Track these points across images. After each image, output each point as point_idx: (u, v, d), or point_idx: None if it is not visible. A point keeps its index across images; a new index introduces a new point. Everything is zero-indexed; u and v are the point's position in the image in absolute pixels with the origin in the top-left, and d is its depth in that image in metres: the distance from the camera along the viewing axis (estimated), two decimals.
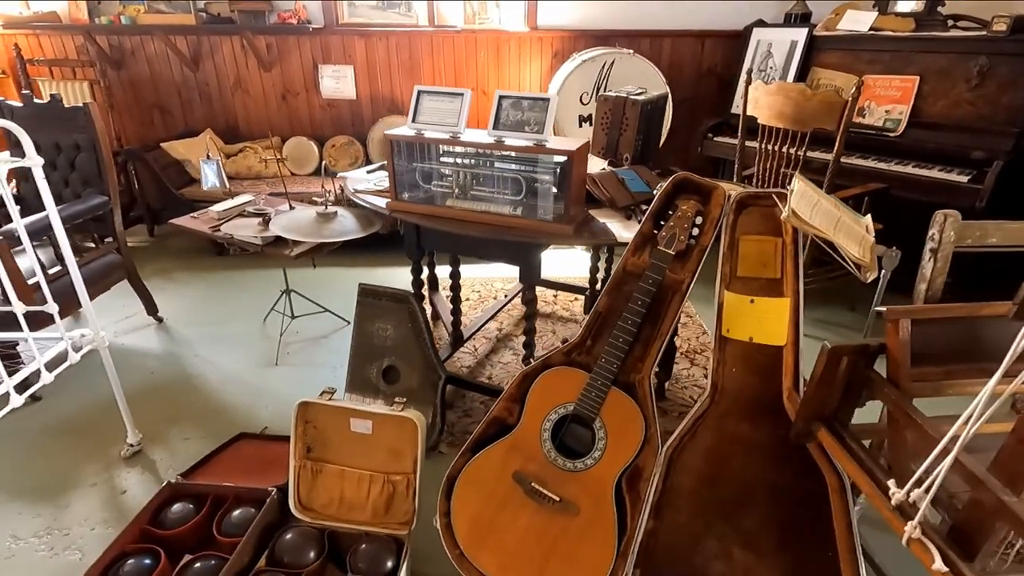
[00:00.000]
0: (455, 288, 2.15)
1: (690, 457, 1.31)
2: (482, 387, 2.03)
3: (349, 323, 2.63)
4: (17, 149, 2.37)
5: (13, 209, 1.47)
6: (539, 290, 2.91)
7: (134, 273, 2.49)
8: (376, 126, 3.61)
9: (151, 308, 2.60)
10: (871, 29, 2.75)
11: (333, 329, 2.59)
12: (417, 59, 3.53)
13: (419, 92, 1.66)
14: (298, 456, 1.50)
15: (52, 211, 1.55)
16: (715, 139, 3.23)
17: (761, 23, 3.22)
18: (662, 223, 1.45)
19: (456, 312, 2.20)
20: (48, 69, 3.34)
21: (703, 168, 3.09)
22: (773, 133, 2.36)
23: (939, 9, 2.65)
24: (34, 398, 2.09)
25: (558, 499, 1.30)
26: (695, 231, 1.42)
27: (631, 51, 3.04)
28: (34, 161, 1.47)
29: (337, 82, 3.57)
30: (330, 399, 1.49)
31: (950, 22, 2.66)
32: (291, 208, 2.34)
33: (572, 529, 1.28)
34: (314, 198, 2.27)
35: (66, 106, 2.29)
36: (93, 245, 2.81)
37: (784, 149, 2.33)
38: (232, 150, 3.53)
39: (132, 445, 1.82)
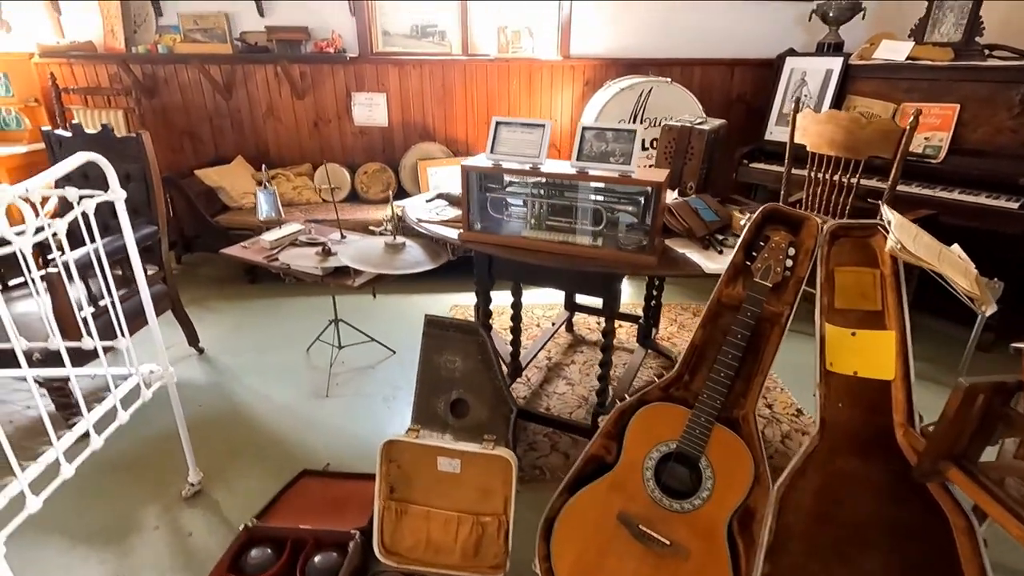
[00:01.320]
0: (516, 319, 2.12)
1: (801, 496, 1.27)
2: (555, 421, 1.98)
3: (395, 352, 2.59)
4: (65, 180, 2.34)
5: (97, 243, 1.43)
6: (582, 316, 2.88)
7: (178, 303, 2.45)
8: (408, 153, 3.61)
9: (192, 338, 2.55)
10: (908, 58, 2.79)
11: (379, 359, 2.54)
12: (450, 87, 3.55)
13: (497, 123, 1.65)
14: (382, 497, 1.45)
15: (130, 241, 1.52)
16: (750, 165, 3.25)
17: (793, 52, 3.27)
18: (754, 254, 1.44)
19: (516, 343, 2.16)
20: (83, 98, 3.33)
21: (738, 194, 3.11)
22: (822, 160, 2.37)
23: (976, 39, 2.69)
24: (84, 434, 2.02)
25: (668, 542, 1.25)
26: (789, 262, 1.41)
27: (668, 79, 3.07)
28: (117, 195, 1.44)
29: (370, 110, 3.58)
30: (416, 436, 1.45)
31: (987, 51, 2.70)
32: (343, 237, 2.32)
33: (683, 574, 1.23)
34: (370, 227, 2.25)
35: (118, 136, 2.27)
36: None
37: (834, 177, 2.34)
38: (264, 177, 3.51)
39: (193, 484, 1.76)
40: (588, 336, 2.75)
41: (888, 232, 1.37)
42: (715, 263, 1.56)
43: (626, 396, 1.42)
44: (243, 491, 1.79)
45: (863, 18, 3.14)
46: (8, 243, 1.16)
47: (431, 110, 3.62)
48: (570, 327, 2.80)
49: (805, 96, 3.13)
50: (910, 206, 2.55)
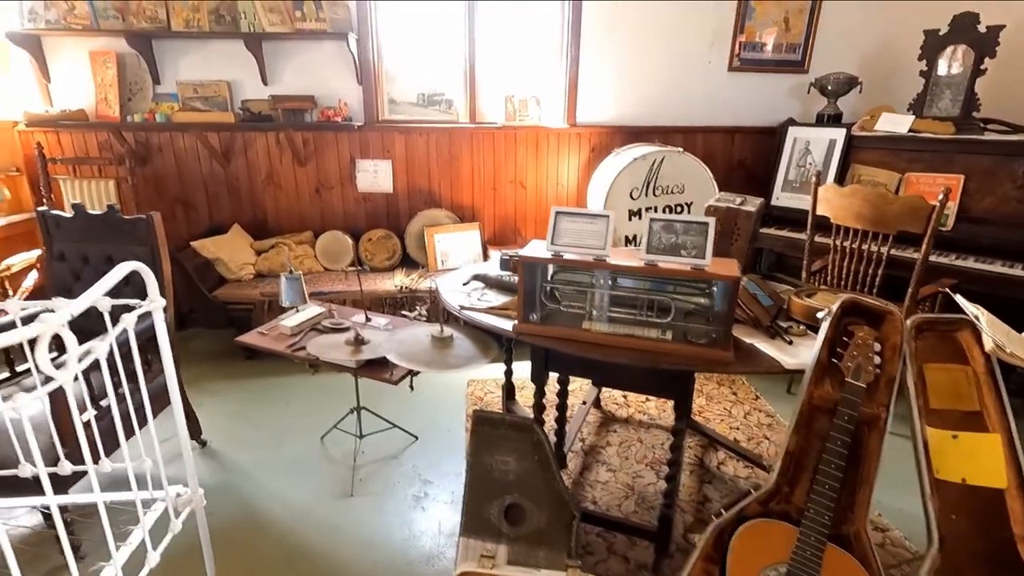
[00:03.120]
0: (562, 408, 2.00)
1: None
2: (621, 525, 1.84)
3: (417, 438, 2.43)
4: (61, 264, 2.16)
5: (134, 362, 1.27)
6: (606, 391, 2.78)
7: (182, 393, 2.24)
8: (415, 220, 3.53)
9: (195, 430, 2.33)
10: (910, 131, 2.90)
11: (402, 447, 2.37)
12: (457, 154, 3.52)
13: (556, 213, 1.58)
14: None
15: (166, 350, 1.36)
16: (759, 231, 3.28)
17: (793, 122, 3.37)
18: (838, 351, 1.38)
19: (560, 434, 2.03)
20: (71, 168, 3.15)
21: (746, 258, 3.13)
22: (846, 231, 2.39)
23: (973, 114, 2.82)
24: (78, 556, 1.77)
25: None
26: (876, 359, 1.35)
27: (681, 149, 3.11)
28: (157, 304, 1.29)
29: (374, 176, 3.50)
30: (493, 566, 1.30)
31: (982, 125, 2.83)
32: (367, 320, 2.19)
33: None
34: (403, 312, 2.13)
35: (126, 217, 2.11)
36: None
37: (860, 247, 2.36)
38: (264, 246, 3.37)
39: None
40: (617, 412, 2.65)
41: (978, 326, 1.34)
42: (790, 356, 1.50)
43: (722, 512, 1.31)
44: None
45: (860, 92, 3.28)
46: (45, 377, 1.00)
47: (437, 176, 3.57)
48: (597, 403, 2.69)
49: (810, 164, 3.21)
50: (930, 275, 2.59)
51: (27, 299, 2.90)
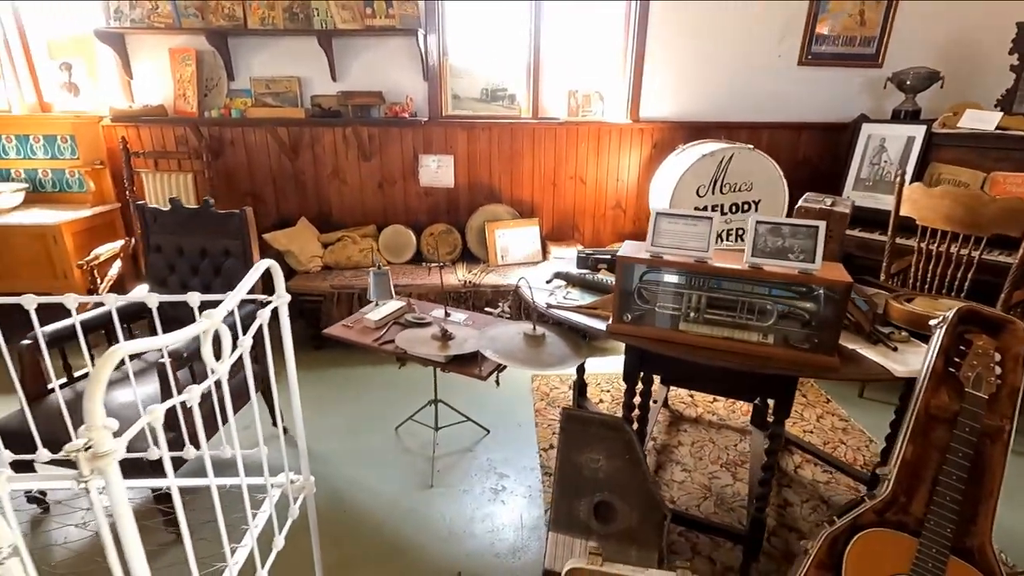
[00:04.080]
0: (644, 408, 2.00)
1: None
2: (712, 527, 1.84)
3: (488, 432, 2.46)
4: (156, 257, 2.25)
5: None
6: (672, 390, 2.77)
7: (268, 382, 2.33)
8: (475, 215, 3.56)
9: (274, 416, 2.41)
10: (997, 128, 2.78)
11: (475, 439, 2.41)
12: (518, 149, 3.53)
13: (657, 214, 1.58)
14: None
15: (288, 342, 1.42)
16: None
17: (866, 118, 3.27)
18: (956, 360, 1.35)
19: (641, 433, 2.03)
20: (152, 161, 3.28)
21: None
22: (932, 233, 2.32)
23: None
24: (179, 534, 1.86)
25: None
26: (997, 370, 1.32)
27: (751, 146, 3.05)
28: (283, 299, 1.34)
29: (436, 171, 3.54)
30: (602, 564, 1.32)
31: None
32: (447, 315, 2.22)
33: None
34: (487, 308, 2.16)
35: (219, 212, 2.19)
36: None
37: (949, 250, 2.29)
38: (330, 239, 3.45)
39: None
40: (685, 411, 2.63)
41: None
42: (898, 363, 1.47)
43: (835, 520, 1.30)
44: None
45: (941, 87, 3.16)
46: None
47: (498, 172, 3.58)
48: (665, 402, 2.68)
49: (885, 162, 3.12)
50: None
51: (112, 287, 3.04)
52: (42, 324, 1.55)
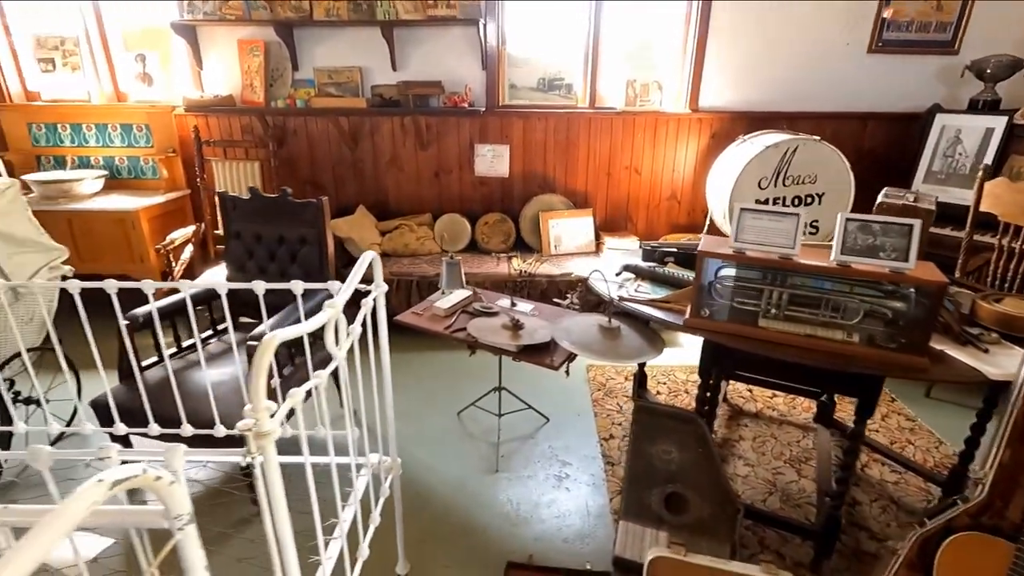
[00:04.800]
0: (712, 402, 2.01)
1: None
2: (784, 522, 1.84)
3: (548, 420, 2.51)
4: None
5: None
6: (731, 384, 2.76)
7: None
8: (529, 204, 3.59)
9: (343, 400, 2.50)
10: None
11: (535, 427, 2.46)
12: (574, 139, 3.53)
13: (741, 210, 1.57)
14: None
15: (383, 329, 1.48)
16: None
17: (940, 108, 3.15)
18: None
19: (708, 427, 2.04)
20: (222, 150, 3.40)
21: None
22: (1015, 230, 2.24)
23: None
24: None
25: None
26: None
27: (818, 137, 2.97)
28: (381, 288, 1.39)
29: (492, 160, 3.57)
30: (686, 554, 1.34)
31: None
32: (513, 304, 2.26)
33: None
34: (555, 300, 2.19)
35: (296, 200, 2.27)
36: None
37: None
38: (388, 227, 3.52)
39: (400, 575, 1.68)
40: (745, 406, 2.62)
41: None
42: (991, 366, 1.44)
43: (926, 522, 1.30)
44: None
45: None
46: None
47: (552, 161, 3.59)
48: (724, 396, 2.67)
49: (960, 155, 3.00)
50: None
51: (184, 270, 3.18)
52: (123, 305, 1.64)
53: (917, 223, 1.43)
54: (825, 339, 1.53)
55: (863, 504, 2.01)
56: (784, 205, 3.08)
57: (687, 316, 1.68)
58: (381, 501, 1.43)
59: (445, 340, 2.03)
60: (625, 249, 3.41)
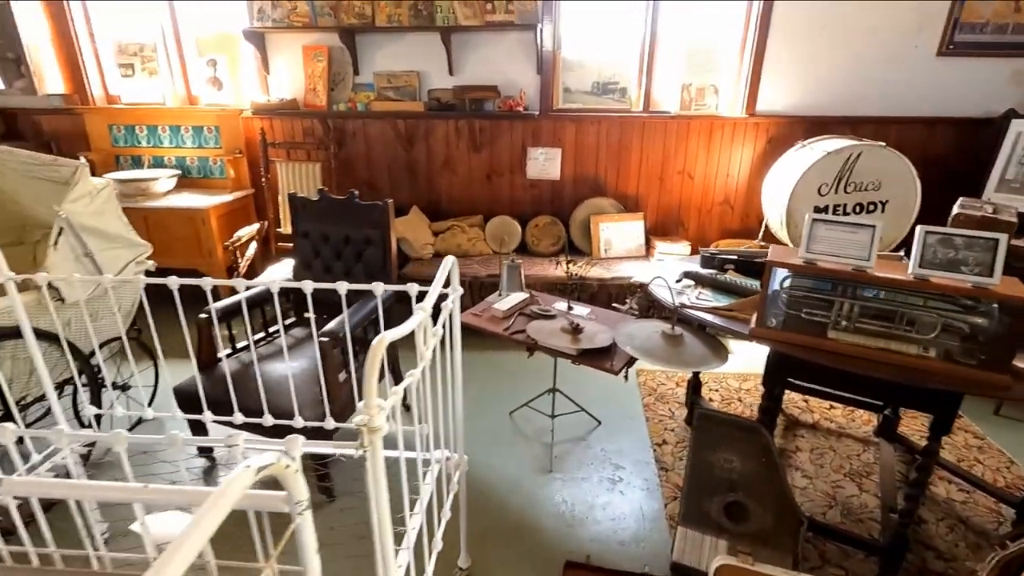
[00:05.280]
0: (773, 412, 1.99)
1: None
2: (849, 538, 1.82)
3: (600, 423, 2.52)
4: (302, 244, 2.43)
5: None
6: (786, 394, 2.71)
7: (397, 363, 2.50)
8: (580, 207, 3.61)
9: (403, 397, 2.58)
10: None
11: (587, 429, 2.48)
12: (627, 143, 3.53)
13: (813, 220, 1.56)
14: None
15: (457, 329, 1.53)
16: None
17: (1015, 113, 3.02)
18: None
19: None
20: (286, 152, 3.55)
21: None
22: None
23: None
24: (329, 496, 2.06)
25: None
26: None
27: (883, 144, 2.89)
28: (457, 292, 1.45)
29: (544, 164, 3.60)
30: (753, 563, 1.35)
31: None
32: (570, 308, 2.29)
33: None
34: (614, 304, 2.21)
35: (363, 202, 2.36)
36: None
37: None
38: (441, 227, 3.60)
39: (462, 569, 1.74)
40: (801, 416, 2.58)
41: None
42: None
43: (1008, 544, 1.27)
44: None
45: None
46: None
47: (604, 165, 3.60)
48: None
49: None
50: None
51: (248, 266, 3.32)
52: (194, 300, 1.74)
53: (1003, 237, 1.39)
54: (899, 353, 1.51)
55: (929, 523, 1.96)
56: (844, 213, 3.02)
57: (752, 325, 1.68)
58: (451, 496, 1.48)
59: (499, 341, 2.08)
60: (677, 254, 3.39)
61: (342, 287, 1.52)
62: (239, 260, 3.30)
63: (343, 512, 1.98)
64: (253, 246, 3.41)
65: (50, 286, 1.92)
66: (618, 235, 3.55)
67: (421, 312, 1.10)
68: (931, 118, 3.33)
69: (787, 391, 2.67)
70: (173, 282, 1.56)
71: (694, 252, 3.46)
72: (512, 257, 2.32)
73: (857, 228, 1.52)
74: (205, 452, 2.28)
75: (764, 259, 2.11)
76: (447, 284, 1.46)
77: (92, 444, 2.21)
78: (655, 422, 2.53)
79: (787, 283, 1.66)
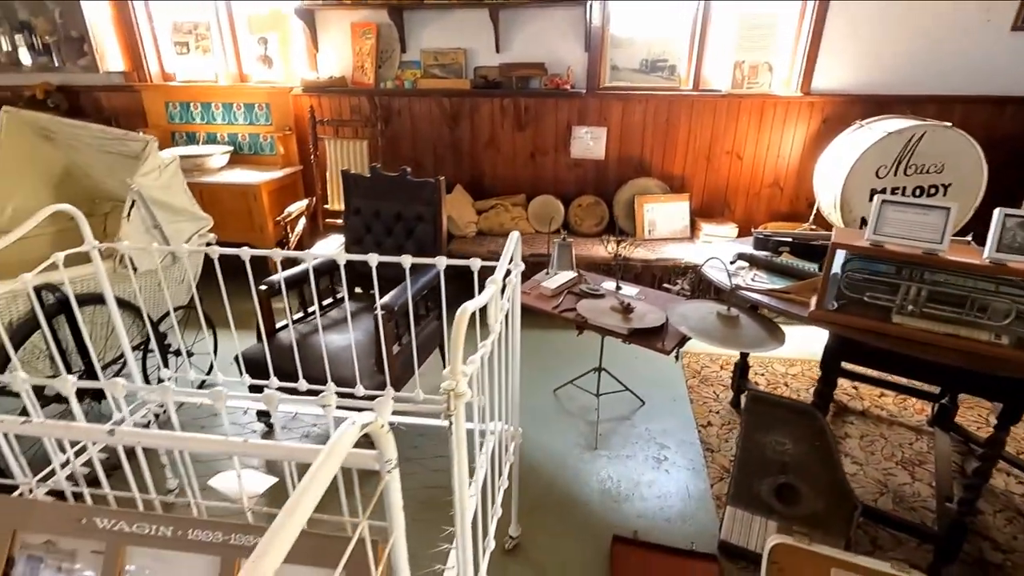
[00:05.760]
0: (827, 397, 1.97)
1: None
2: (905, 525, 1.80)
3: (644, 403, 2.54)
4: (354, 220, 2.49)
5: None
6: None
7: (443, 337, 2.55)
8: (624, 188, 3.57)
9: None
10: None
11: (632, 409, 2.50)
12: (674, 122, 3.46)
13: (882, 201, 1.52)
14: None
15: (517, 305, 1.55)
16: None
17: None
18: None
19: None
20: (334, 129, 3.60)
21: None
22: None
23: None
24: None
25: None
26: None
27: (948, 124, 2.77)
28: (518, 268, 1.47)
29: (589, 143, 3.57)
30: (810, 543, 1.36)
31: None
32: (618, 288, 2.29)
33: None
34: (664, 285, 2.20)
35: (415, 180, 2.39)
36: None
37: None
38: (484, 206, 3.62)
39: (512, 537, 1.79)
40: (850, 403, 2.54)
41: None
42: None
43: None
44: (550, 548, 1.79)
45: None
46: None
47: (650, 145, 3.55)
48: None
49: None
50: None
51: (297, 242, 3.41)
52: (228, 273, 1.80)
53: None
54: (968, 339, 1.47)
55: (986, 513, 1.92)
56: (903, 196, 2.91)
57: (812, 308, 1.66)
58: (508, 465, 1.53)
59: (545, 319, 2.10)
60: (723, 236, 3.34)
61: (406, 260, 1.56)
62: (289, 235, 3.39)
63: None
64: (302, 222, 3.49)
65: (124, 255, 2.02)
66: (663, 216, 3.51)
67: (493, 284, 1.13)
68: (1000, 97, 3.16)
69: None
70: (245, 253, 1.62)
71: (741, 234, 3.41)
72: (564, 235, 2.32)
73: (929, 210, 1.48)
74: (263, 416, 2.38)
75: (821, 242, 2.07)
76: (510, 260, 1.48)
77: (162, 405, 2.33)
78: (700, 404, 2.53)
79: (849, 266, 1.63)
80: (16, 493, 1.25)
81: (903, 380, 2.36)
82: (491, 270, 1.50)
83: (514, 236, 1.37)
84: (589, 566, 1.74)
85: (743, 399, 2.52)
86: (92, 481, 1.30)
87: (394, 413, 1.69)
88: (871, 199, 2.93)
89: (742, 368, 2.43)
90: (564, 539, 1.84)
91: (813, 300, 1.70)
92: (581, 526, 1.89)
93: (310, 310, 2.44)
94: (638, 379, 2.68)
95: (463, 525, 1.00)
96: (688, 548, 1.76)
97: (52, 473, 1.44)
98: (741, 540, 1.75)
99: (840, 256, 1.60)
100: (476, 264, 1.50)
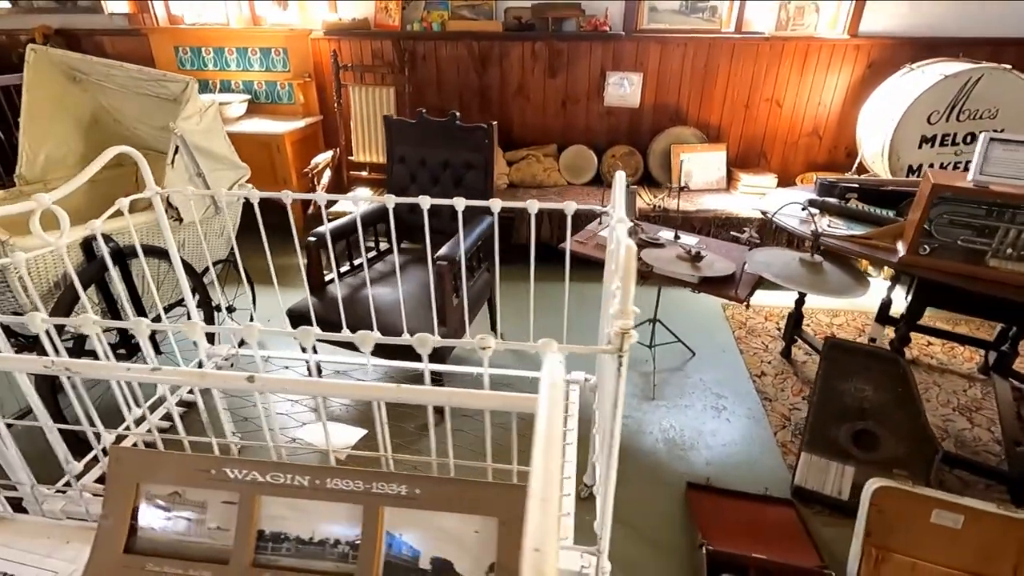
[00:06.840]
0: (905, 342, 1.95)
1: None
2: (986, 469, 1.80)
3: (695, 354, 2.52)
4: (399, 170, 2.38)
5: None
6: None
7: (493, 292, 2.49)
8: (660, 137, 3.47)
9: (494, 324, 2.60)
10: None
11: (683, 360, 2.49)
12: (713, 67, 3.33)
13: (990, 140, 1.46)
14: (861, 540, 1.38)
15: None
16: None
17: None
18: None
19: None
20: (359, 75, 3.43)
21: None
22: None
23: None
24: (440, 414, 2.12)
25: None
26: None
27: (1009, 66, 2.68)
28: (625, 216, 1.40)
29: (623, 90, 3.44)
30: (912, 486, 1.35)
31: None
32: (677, 237, 2.24)
33: None
34: (732, 233, 2.14)
35: (464, 125, 2.28)
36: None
37: None
38: (516, 157, 3.51)
39: (587, 485, 1.79)
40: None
41: None
42: None
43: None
44: (633, 498, 1.80)
45: None
46: None
47: (687, 92, 3.42)
48: (873, 342, 2.59)
49: None
50: None
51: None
52: (267, 221, 1.70)
53: None
54: None
55: None
56: (954, 143, 2.84)
57: (903, 253, 1.61)
58: (575, 415, 1.50)
59: (594, 269, 2.03)
60: (762, 187, 3.27)
61: (459, 203, 1.47)
62: (315, 188, 3.27)
63: (455, 434, 2.04)
64: (327, 174, 3.37)
65: (170, 205, 1.93)
66: (699, 166, 3.42)
67: (622, 224, 1.06)
68: None
69: (883, 326, 2.63)
70: (287, 196, 1.53)
71: (781, 184, 3.34)
72: (628, 182, 2.24)
73: None
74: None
75: (892, 187, 2.01)
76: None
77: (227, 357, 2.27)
78: (750, 355, 2.52)
79: (941, 209, 1.58)
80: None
81: (952, 328, 2.37)
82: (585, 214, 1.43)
83: (620, 176, 1.29)
84: (666, 512, 1.75)
85: (793, 349, 2.52)
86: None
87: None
88: (919, 147, 2.86)
89: (796, 318, 2.41)
90: (637, 486, 1.84)
91: (900, 245, 1.65)
92: (651, 474, 1.89)
93: (356, 262, 2.36)
94: (684, 331, 2.66)
95: (609, 464, 0.97)
96: (762, 493, 1.77)
97: (142, 419, 1.39)
98: (816, 486, 1.76)
99: (939, 199, 1.55)
100: (571, 208, 1.43)
